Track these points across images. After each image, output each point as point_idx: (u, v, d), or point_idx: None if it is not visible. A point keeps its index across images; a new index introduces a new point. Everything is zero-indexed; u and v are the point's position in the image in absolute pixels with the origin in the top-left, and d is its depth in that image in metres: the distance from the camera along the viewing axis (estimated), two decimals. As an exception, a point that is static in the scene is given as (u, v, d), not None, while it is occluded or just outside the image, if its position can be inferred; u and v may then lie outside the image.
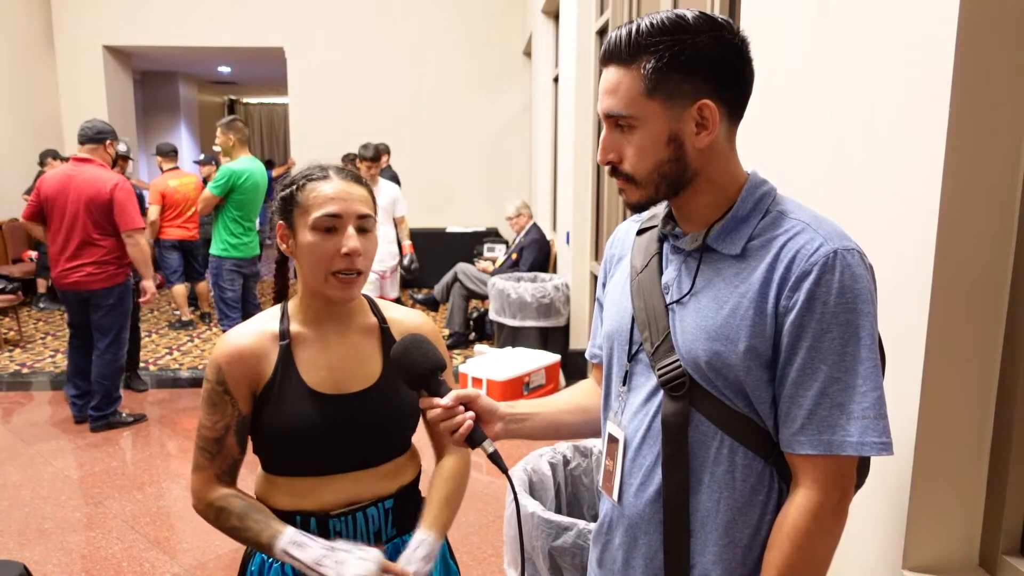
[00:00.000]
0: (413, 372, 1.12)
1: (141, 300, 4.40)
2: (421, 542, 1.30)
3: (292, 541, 1.22)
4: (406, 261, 5.72)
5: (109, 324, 4.28)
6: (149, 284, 4.33)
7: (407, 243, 5.73)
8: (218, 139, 4.80)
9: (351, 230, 1.24)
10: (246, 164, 4.74)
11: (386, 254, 5.54)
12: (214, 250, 4.79)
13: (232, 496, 1.29)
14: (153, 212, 6.45)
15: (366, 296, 1.41)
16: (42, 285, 7.54)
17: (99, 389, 4.33)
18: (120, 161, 6.12)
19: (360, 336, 1.36)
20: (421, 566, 1.27)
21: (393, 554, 1.35)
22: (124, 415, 4.47)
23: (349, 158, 7.20)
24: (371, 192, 1.32)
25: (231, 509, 1.28)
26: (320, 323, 1.33)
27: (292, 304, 1.36)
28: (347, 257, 1.24)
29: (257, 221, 6.78)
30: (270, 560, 1.33)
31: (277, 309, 1.37)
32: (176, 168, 6.85)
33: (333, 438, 1.28)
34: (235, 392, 1.28)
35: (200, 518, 1.32)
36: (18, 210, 4.95)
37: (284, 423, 1.27)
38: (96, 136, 4.21)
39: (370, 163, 5.36)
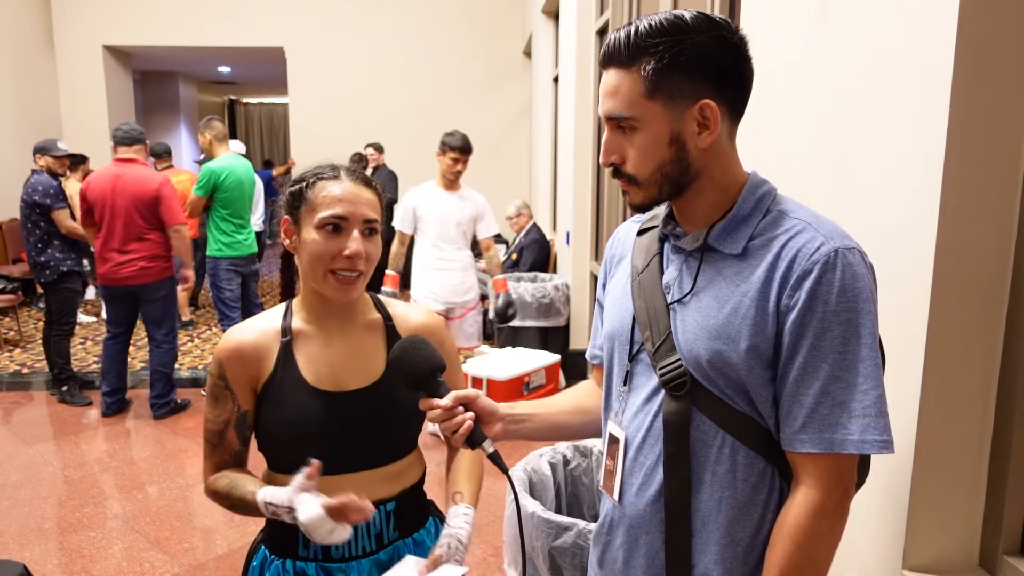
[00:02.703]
0: (412, 374, 1.12)
1: (182, 288, 4.75)
2: (466, 514, 1.31)
3: (264, 495, 1.22)
4: (500, 302, 4.04)
5: (163, 315, 4.52)
6: (190, 273, 4.67)
7: (499, 277, 4.12)
8: (199, 140, 4.88)
9: (356, 233, 1.24)
10: (226, 161, 4.75)
11: (459, 285, 4.10)
12: (209, 251, 4.81)
13: (220, 477, 1.32)
14: None
15: (370, 293, 1.41)
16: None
17: (160, 378, 4.57)
18: (81, 164, 6.29)
19: (363, 333, 1.35)
20: (466, 533, 1.28)
21: (394, 557, 1.35)
22: (179, 400, 4.74)
23: (355, 158, 7.19)
24: (380, 196, 1.31)
25: (221, 491, 1.31)
26: (322, 320, 1.33)
27: (296, 301, 1.36)
28: (347, 259, 1.23)
29: (260, 219, 6.82)
30: (272, 557, 1.34)
31: (282, 306, 1.37)
32: (171, 167, 6.89)
33: (333, 435, 1.28)
34: (235, 387, 1.29)
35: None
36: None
37: (284, 419, 1.28)
38: (140, 137, 4.44)
39: (459, 155, 3.94)
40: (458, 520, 1.30)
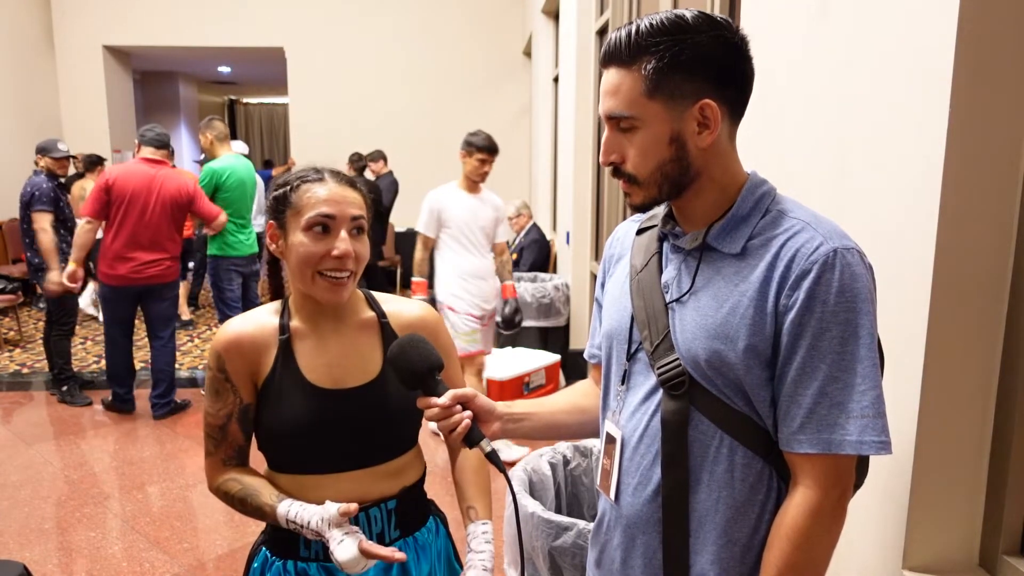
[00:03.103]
0: (410, 372, 1.11)
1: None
2: (486, 533, 1.32)
3: (288, 513, 1.23)
4: (508, 309, 4.01)
5: (171, 313, 4.59)
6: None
7: (508, 283, 4.06)
8: (200, 140, 4.86)
9: (343, 233, 1.24)
10: (228, 161, 4.76)
11: (490, 291, 3.96)
12: (210, 251, 4.80)
13: (231, 480, 1.31)
14: None
15: (363, 290, 1.41)
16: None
17: (165, 377, 4.59)
18: (97, 165, 6.26)
19: (358, 331, 1.35)
20: (490, 556, 1.30)
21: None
22: (179, 400, 4.74)
23: (354, 157, 7.19)
24: (365, 198, 1.31)
25: (233, 495, 1.30)
26: (316, 320, 1.33)
27: (292, 299, 1.36)
28: (337, 259, 1.23)
29: (262, 219, 6.84)
30: (273, 558, 1.34)
31: (278, 303, 1.37)
32: (174, 167, 6.91)
33: (332, 434, 1.28)
34: (235, 379, 1.29)
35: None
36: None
37: (284, 418, 1.28)
38: (168, 142, 4.50)
39: (487, 155, 3.86)
40: (478, 542, 1.31)
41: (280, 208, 1.27)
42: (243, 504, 1.29)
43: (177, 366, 5.60)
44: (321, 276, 1.24)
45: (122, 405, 4.63)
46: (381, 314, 1.38)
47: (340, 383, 1.30)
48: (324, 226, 1.23)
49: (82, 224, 4.25)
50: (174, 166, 6.95)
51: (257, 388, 1.31)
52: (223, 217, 4.54)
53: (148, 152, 4.36)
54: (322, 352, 1.31)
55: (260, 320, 1.33)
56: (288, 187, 1.27)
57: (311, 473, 1.31)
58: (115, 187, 4.19)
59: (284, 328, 1.31)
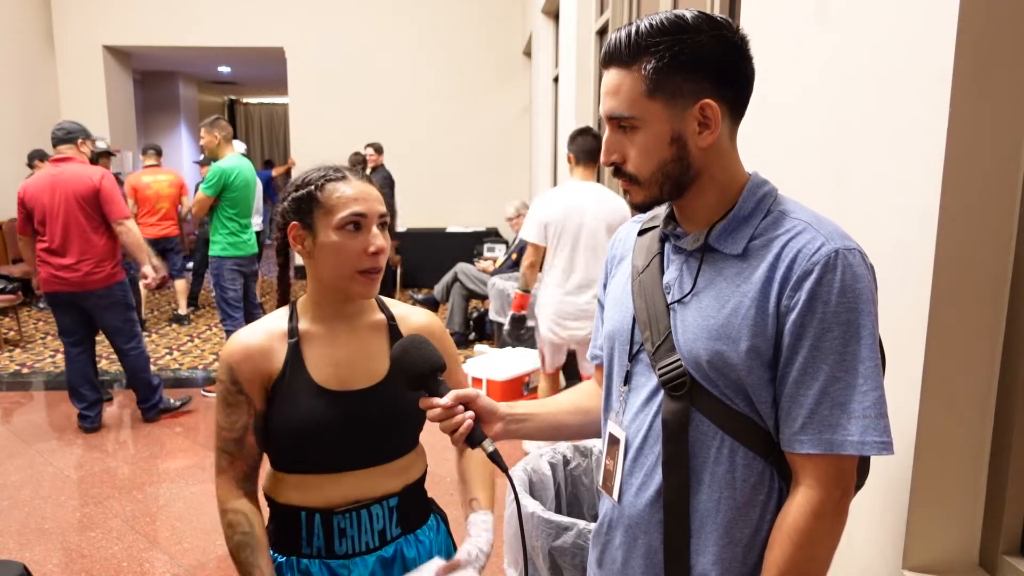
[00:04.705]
0: (413, 373, 1.12)
1: (144, 284, 4.34)
2: (485, 522, 1.33)
3: None
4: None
5: (121, 323, 4.26)
6: (148, 270, 4.26)
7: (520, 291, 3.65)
8: (203, 139, 4.78)
9: (375, 229, 1.27)
10: (234, 161, 4.74)
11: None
12: (214, 251, 4.78)
13: (242, 517, 1.29)
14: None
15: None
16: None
17: (140, 383, 4.41)
18: (103, 158, 6.20)
19: (368, 333, 1.37)
20: (487, 542, 1.31)
21: (397, 554, 1.35)
22: (171, 400, 4.57)
23: (353, 159, 7.17)
24: (383, 195, 1.34)
25: (235, 532, 1.28)
26: (329, 321, 1.34)
27: (301, 303, 1.37)
28: (373, 256, 1.25)
29: (260, 221, 6.85)
30: (275, 555, 1.34)
31: (286, 309, 1.38)
32: (156, 166, 6.94)
33: (340, 434, 1.29)
34: (248, 389, 1.29)
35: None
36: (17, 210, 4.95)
37: (292, 419, 1.28)
38: (66, 137, 4.17)
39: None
40: (478, 529, 1.32)
41: (305, 208, 1.28)
42: (238, 549, 1.27)
43: (177, 366, 5.61)
44: (359, 272, 1.27)
45: (82, 422, 4.32)
46: (390, 317, 1.40)
47: (348, 384, 1.31)
48: (356, 224, 1.25)
49: (20, 242, 4.22)
50: (157, 164, 6.96)
51: (267, 392, 1.31)
52: (131, 224, 4.18)
53: (57, 151, 4.15)
54: (331, 354, 1.33)
55: (268, 327, 1.34)
56: (312, 186, 1.28)
57: (315, 472, 1.31)
58: (26, 198, 4.05)
59: (293, 332, 1.32)
